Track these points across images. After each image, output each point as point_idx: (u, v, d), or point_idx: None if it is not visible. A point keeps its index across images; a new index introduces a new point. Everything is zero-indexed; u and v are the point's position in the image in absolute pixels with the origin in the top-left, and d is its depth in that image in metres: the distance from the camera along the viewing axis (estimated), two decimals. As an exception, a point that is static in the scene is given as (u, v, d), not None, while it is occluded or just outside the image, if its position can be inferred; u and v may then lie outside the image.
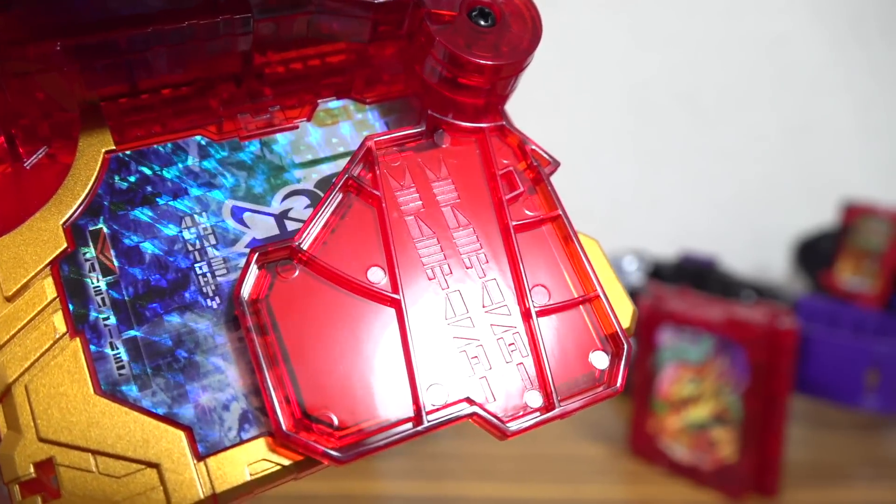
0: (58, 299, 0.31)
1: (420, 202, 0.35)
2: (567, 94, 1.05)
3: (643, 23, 1.09)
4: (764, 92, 1.12)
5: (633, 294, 0.89)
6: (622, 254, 0.95)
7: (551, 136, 1.05)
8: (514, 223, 0.36)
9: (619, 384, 0.34)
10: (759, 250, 1.11)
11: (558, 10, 1.03)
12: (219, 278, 0.33)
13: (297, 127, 0.37)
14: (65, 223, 0.32)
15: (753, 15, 1.10)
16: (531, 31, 0.37)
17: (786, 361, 0.70)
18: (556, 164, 0.38)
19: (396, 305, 0.33)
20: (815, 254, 0.96)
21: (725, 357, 0.72)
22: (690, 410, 0.75)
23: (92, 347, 0.30)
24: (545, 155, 0.38)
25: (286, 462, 0.30)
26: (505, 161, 0.37)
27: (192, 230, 0.33)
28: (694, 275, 0.92)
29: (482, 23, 0.36)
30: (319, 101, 0.38)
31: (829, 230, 0.95)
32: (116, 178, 0.34)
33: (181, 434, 0.30)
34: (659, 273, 0.94)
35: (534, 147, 0.37)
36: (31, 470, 0.28)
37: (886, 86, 1.13)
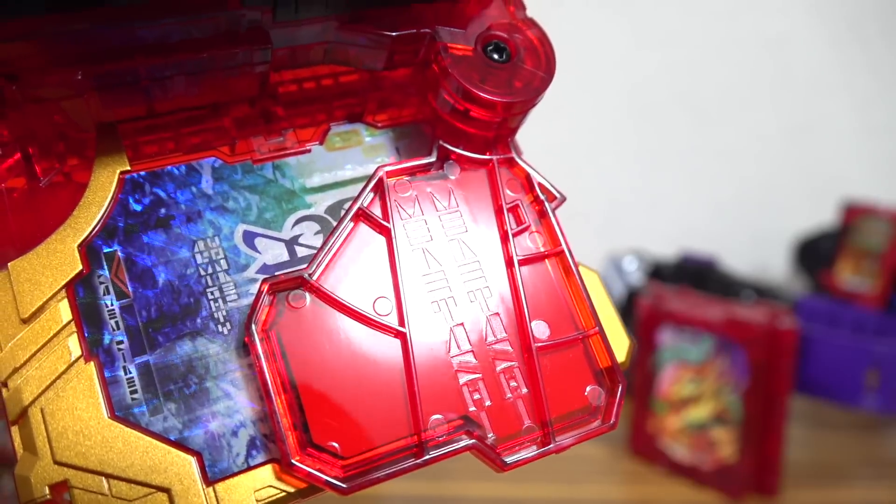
0: (73, 322, 0.31)
1: (429, 234, 0.36)
2: (567, 94, 1.04)
3: (643, 22, 1.09)
4: (764, 92, 1.12)
5: (633, 294, 0.89)
6: (622, 254, 0.96)
7: (552, 135, 1.05)
8: (519, 257, 0.36)
9: (612, 420, 0.35)
10: (759, 250, 1.11)
11: (559, 9, 1.03)
12: (230, 304, 0.33)
13: (309, 151, 0.37)
14: (80, 245, 0.32)
15: (753, 15, 1.10)
16: (545, 68, 0.37)
17: (786, 361, 0.71)
18: (562, 199, 0.38)
19: (402, 338, 0.33)
20: (815, 254, 0.96)
21: (725, 357, 0.72)
22: (690, 410, 0.76)
23: (106, 372, 0.31)
24: (551, 189, 0.38)
25: (291, 489, 0.31)
26: (512, 193, 0.38)
27: (205, 254, 0.34)
28: (694, 275, 0.92)
29: (496, 57, 0.36)
30: (332, 124, 0.38)
31: (829, 230, 0.95)
32: (131, 199, 0.34)
33: (191, 459, 0.30)
34: (659, 273, 0.94)
35: (541, 180, 0.38)
36: (47, 491, 0.29)
37: (886, 86, 1.13)
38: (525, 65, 0.37)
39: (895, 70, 1.13)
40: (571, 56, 1.05)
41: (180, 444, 0.30)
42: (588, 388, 0.35)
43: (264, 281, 0.32)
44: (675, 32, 1.09)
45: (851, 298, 0.87)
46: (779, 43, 1.11)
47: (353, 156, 0.38)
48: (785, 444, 0.72)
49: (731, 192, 1.13)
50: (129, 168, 0.34)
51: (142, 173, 0.34)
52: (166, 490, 0.29)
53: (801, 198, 1.11)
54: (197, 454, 0.30)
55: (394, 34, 0.35)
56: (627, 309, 0.90)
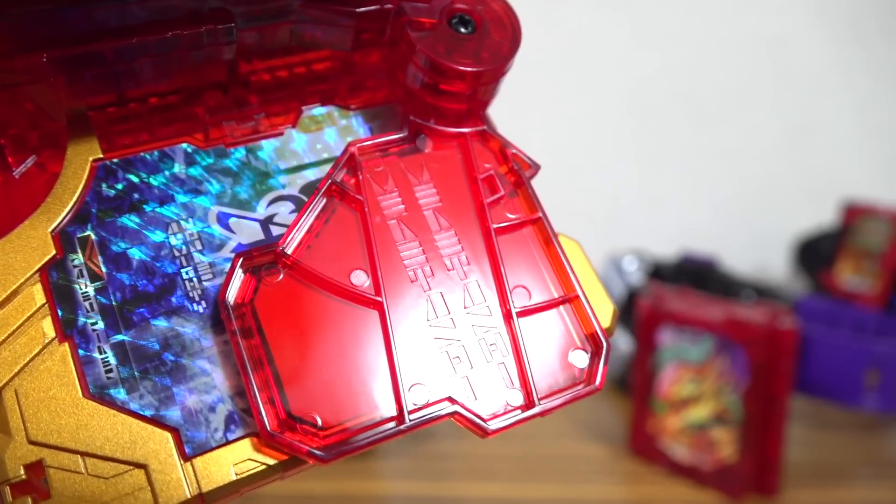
0: (47, 305, 0.31)
1: (402, 206, 0.36)
2: (567, 94, 1.05)
3: (643, 22, 1.09)
4: (764, 92, 1.12)
5: (633, 294, 0.89)
6: (622, 254, 0.96)
7: (552, 136, 1.05)
8: (496, 226, 0.36)
9: (597, 382, 0.34)
10: (759, 250, 1.11)
11: (558, 9, 1.03)
12: (205, 283, 0.33)
13: (282, 133, 0.37)
14: (53, 230, 0.33)
15: (753, 15, 1.10)
16: (511, 37, 0.37)
17: (786, 361, 0.70)
18: (537, 168, 0.38)
19: (379, 307, 0.34)
20: (815, 254, 0.96)
21: (725, 357, 0.72)
22: (690, 410, 0.75)
23: (80, 352, 0.31)
24: (526, 158, 0.38)
25: (271, 461, 0.31)
26: (486, 165, 0.38)
27: (179, 236, 0.34)
28: (694, 275, 0.92)
29: (462, 30, 0.37)
30: (304, 107, 0.38)
31: (829, 230, 0.95)
32: (104, 185, 0.34)
33: (168, 435, 0.30)
34: (659, 273, 0.94)
35: (515, 151, 0.38)
36: (22, 472, 0.29)
37: (886, 86, 1.13)
38: (491, 35, 0.37)
39: (895, 70, 1.12)
40: (571, 56, 1.06)
41: (156, 421, 0.31)
42: (572, 352, 0.35)
43: (237, 256, 0.32)
44: (675, 32, 1.09)
45: (851, 298, 0.86)
46: (779, 43, 1.11)
47: (327, 137, 0.38)
48: (785, 444, 0.72)
49: (731, 192, 1.13)
50: (101, 156, 0.35)
51: (114, 160, 0.35)
52: (143, 466, 0.30)
53: (801, 198, 1.11)
54: (174, 430, 0.31)
55: (357, 10, 0.36)
56: (627, 309, 0.90)
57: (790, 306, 0.85)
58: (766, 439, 0.71)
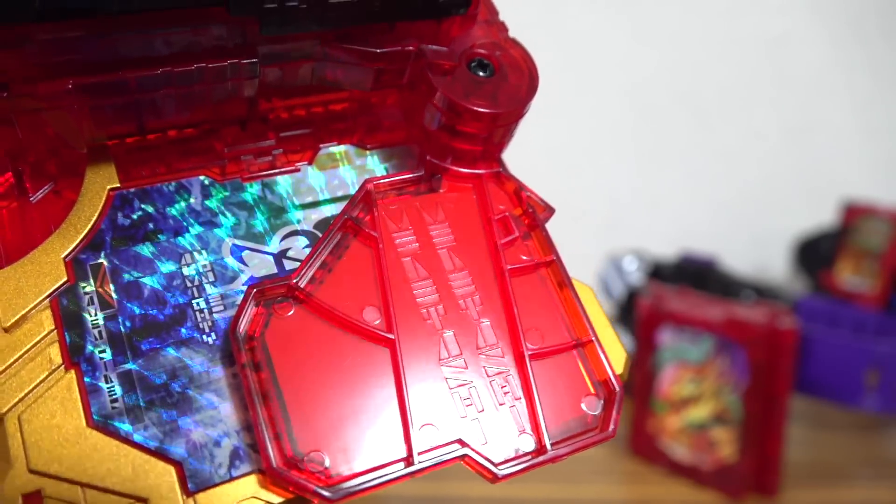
0: (55, 331, 0.31)
1: (417, 244, 0.36)
2: (567, 94, 1.05)
3: (643, 22, 1.09)
4: (764, 92, 1.12)
5: (633, 294, 0.89)
6: (622, 254, 0.95)
7: (552, 136, 1.05)
8: (510, 267, 0.36)
9: (610, 429, 0.34)
10: (759, 250, 1.11)
11: (559, 10, 1.03)
12: (216, 315, 0.33)
13: (298, 170, 0.38)
14: (66, 257, 0.33)
15: (753, 15, 1.10)
16: (528, 82, 0.38)
17: (786, 361, 0.70)
18: (551, 211, 0.38)
19: (390, 345, 0.33)
20: (815, 254, 0.96)
21: (725, 357, 0.72)
22: (690, 410, 0.75)
23: (86, 380, 0.31)
24: (540, 201, 0.38)
25: (276, 500, 0.30)
26: (501, 206, 0.38)
27: (192, 267, 0.34)
28: (694, 275, 0.91)
29: (481, 73, 0.37)
30: (321, 146, 0.38)
31: (829, 230, 0.95)
32: (119, 214, 0.34)
33: (171, 469, 0.30)
34: (659, 273, 0.93)
35: (529, 194, 0.38)
36: (20, 502, 0.29)
37: (886, 86, 1.13)
38: (509, 79, 0.37)
39: (895, 70, 1.12)
40: (572, 56, 1.06)
41: (160, 454, 0.30)
42: (584, 398, 0.35)
43: (250, 288, 0.32)
44: (675, 32, 1.09)
45: (851, 298, 0.86)
46: (779, 43, 1.10)
47: (342, 174, 0.38)
48: (785, 444, 0.72)
49: (731, 192, 1.12)
50: (118, 185, 0.35)
51: (131, 189, 0.35)
52: (144, 500, 0.29)
53: (801, 198, 1.11)
54: (177, 464, 0.30)
55: (379, 51, 0.36)
56: (627, 309, 0.90)
57: (790, 306, 0.85)
58: (766, 439, 0.72)
